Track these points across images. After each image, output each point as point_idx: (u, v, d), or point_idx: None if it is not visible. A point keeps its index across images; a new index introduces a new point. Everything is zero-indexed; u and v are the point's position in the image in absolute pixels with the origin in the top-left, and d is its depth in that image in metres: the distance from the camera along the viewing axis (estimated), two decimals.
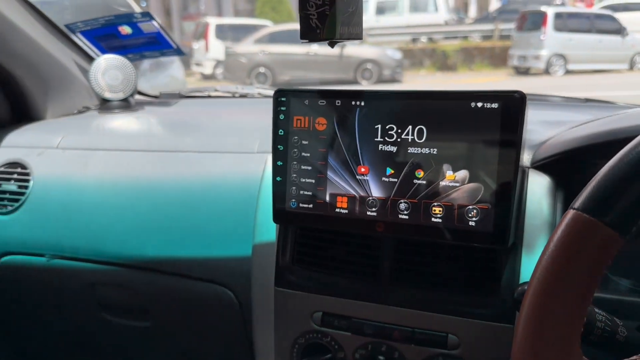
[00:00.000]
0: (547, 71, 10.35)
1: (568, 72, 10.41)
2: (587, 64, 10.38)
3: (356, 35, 0.49)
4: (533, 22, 10.99)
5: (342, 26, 0.47)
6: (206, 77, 11.51)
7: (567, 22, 10.69)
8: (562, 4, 15.12)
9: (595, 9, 13.51)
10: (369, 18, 14.28)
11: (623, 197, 0.38)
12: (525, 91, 0.63)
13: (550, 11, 10.83)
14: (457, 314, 0.69)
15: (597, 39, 10.41)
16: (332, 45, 0.49)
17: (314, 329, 0.76)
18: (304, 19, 0.46)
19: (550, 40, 10.45)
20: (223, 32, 11.72)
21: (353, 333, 0.74)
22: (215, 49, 11.45)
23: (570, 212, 0.40)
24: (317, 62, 9.73)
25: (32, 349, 1.22)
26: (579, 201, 0.40)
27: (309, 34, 0.46)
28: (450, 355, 0.69)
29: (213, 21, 12.15)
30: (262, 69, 9.82)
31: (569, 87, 8.67)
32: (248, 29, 11.96)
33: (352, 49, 10.12)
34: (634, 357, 0.40)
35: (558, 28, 10.58)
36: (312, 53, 9.63)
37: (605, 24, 10.64)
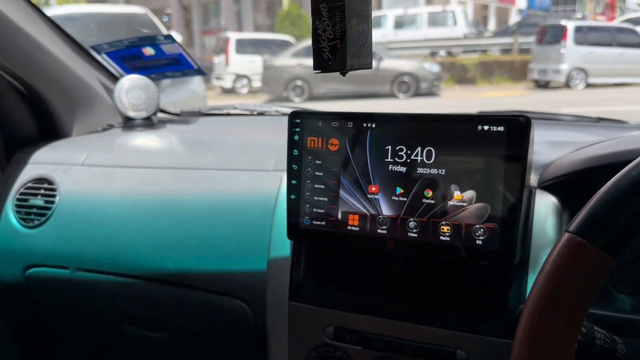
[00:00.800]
0: (567, 85, 10.29)
1: (589, 85, 10.34)
2: (608, 78, 10.30)
3: (365, 65, 0.52)
4: (553, 35, 10.95)
5: (352, 58, 0.50)
6: (226, 91, 11.66)
7: (588, 36, 10.63)
8: (583, 18, 15.05)
9: (617, 22, 13.42)
10: (388, 32, 14.36)
11: (614, 221, 0.41)
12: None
13: (570, 25, 10.78)
14: (466, 329, 0.71)
15: (618, 53, 10.33)
16: (343, 74, 0.52)
17: (326, 343, 0.79)
18: (317, 52, 0.49)
19: (571, 53, 10.40)
20: (243, 46, 11.89)
21: (364, 347, 0.76)
22: (235, 63, 11.61)
23: (565, 235, 0.42)
24: (353, 75, 9.77)
25: (55, 358, 1.26)
26: (573, 225, 0.42)
27: (321, 65, 0.49)
28: None
29: (233, 36, 12.34)
30: (298, 82, 9.88)
31: (589, 101, 8.61)
32: (267, 44, 12.12)
33: (389, 62, 10.11)
34: None
35: (578, 41, 10.52)
36: None
37: (626, 38, 10.55)
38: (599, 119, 1.16)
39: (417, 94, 9.98)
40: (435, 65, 10.70)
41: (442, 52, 13.73)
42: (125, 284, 1.00)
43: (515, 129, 0.64)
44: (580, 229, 0.41)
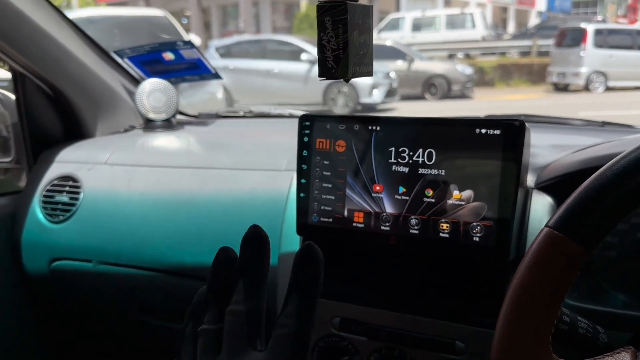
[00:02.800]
0: (587, 88, 10.20)
1: (608, 89, 10.24)
2: (629, 81, 10.19)
3: (367, 73, 0.56)
4: (572, 38, 10.86)
5: (354, 66, 0.54)
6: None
7: (608, 39, 10.52)
8: (603, 21, 14.88)
9: (638, 25, 13.24)
10: (406, 34, 14.35)
11: (589, 217, 0.45)
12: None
13: (590, 28, 10.69)
14: (464, 322, 0.75)
15: (639, 56, 10.21)
16: (346, 81, 0.56)
17: (333, 333, 0.83)
18: (322, 61, 0.53)
19: (590, 57, 10.31)
20: None
21: (369, 338, 0.81)
22: None
23: (545, 230, 0.46)
24: None
25: (76, 348, 1.32)
26: (552, 220, 0.46)
27: (325, 73, 0.54)
28: None
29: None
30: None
31: (608, 104, 8.52)
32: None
33: (422, 64, 10.07)
34: (608, 353, 0.46)
35: (598, 44, 10.43)
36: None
37: None
38: (604, 123, 1.19)
39: (447, 96, 9.92)
40: (468, 68, 10.62)
41: (460, 55, 13.69)
42: (144, 277, 1.06)
43: (511, 132, 0.68)
44: (558, 223, 0.46)
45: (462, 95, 10.14)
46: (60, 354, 1.33)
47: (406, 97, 9.62)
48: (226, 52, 9.44)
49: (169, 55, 1.32)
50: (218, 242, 0.99)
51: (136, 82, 1.38)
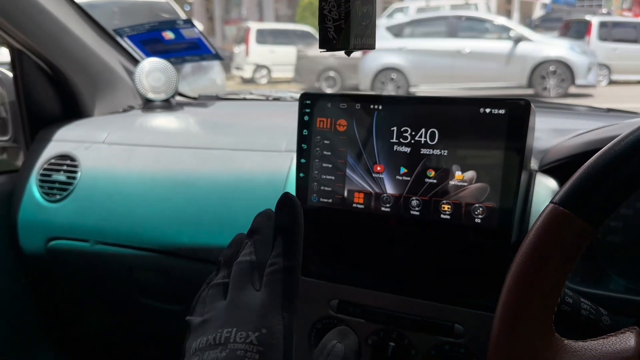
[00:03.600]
0: None
1: (612, 82, 10.18)
2: (632, 75, 10.13)
3: (369, 45, 0.55)
4: (577, 30, 10.78)
5: (356, 38, 0.53)
6: (246, 81, 11.71)
7: (612, 32, 10.44)
8: (608, 13, 14.79)
9: None
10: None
11: (595, 193, 0.43)
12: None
13: (594, 20, 10.60)
14: (464, 305, 0.74)
15: None
16: (348, 54, 0.55)
17: (330, 315, 0.82)
18: (323, 31, 0.52)
19: (594, 49, 10.24)
20: (263, 36, 11.92)
21: (366, 320, 0.80)
22: (255, 53, 11.65)
23: (550, 206, 0.45)
24: None
25: (73, 328, 1.31)
26: (557, 196, 0.45)
27: (326, 44, 0.53)
28: (456, 343, 0.74)
29: (254, 26, 12.38)
30: (331, 73, 9.78)
31: (612, 97, 8.48)
32: (288, 34, 12.13)
33: None
34: (612, 333, 0.45)
35: (603, 37, 10.35)
36: None
37: None
38: (609, 110, 1.18)
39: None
40: None
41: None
42: (142, 257, 1.05)
43: (516, 111, 0.67)
44: (564, 199, 0.44)
45: None
46: (58, 333, 1.32)
47: None
48: (400, 32, 8.78)
49: (169, 35, 1.30)
50: (216, 222, 0.98)
51: (135, 61, 1.37)
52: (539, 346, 0.43)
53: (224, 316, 0.43)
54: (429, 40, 8.42)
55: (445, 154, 0.71)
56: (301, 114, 0.79)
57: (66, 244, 1.11)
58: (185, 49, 1.34)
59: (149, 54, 1.35)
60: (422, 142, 0.72)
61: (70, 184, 1.11)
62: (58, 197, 1.11)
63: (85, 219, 1.08)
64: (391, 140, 0.74)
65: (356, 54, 0.69)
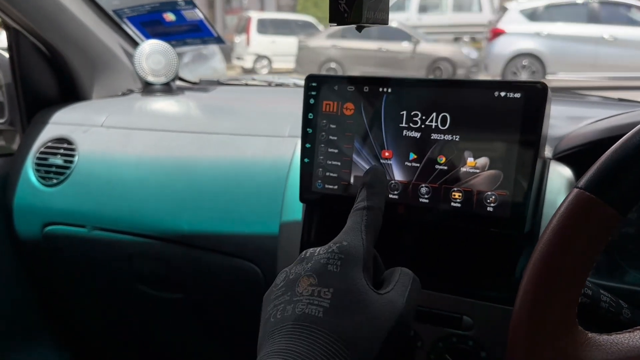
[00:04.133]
0: None
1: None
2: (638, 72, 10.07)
3: (382, 20, 0.52)
4: None
5: (368, 11, 0.50)
6: (247, 71, 11.65)
7: None
8: None
9: None
10: (411, 16, 14.17)
11: (623, 178, 0.40)
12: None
13: None
14: (473, 296, 0.71)
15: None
16: (359, 29, 0.52)
17: None
18: (333, 4, 0.49)
19: None
20: (264, 26, 11.84)
21: None
22: (256, 43, 11.59)
23: (574, 191, 0.42)
24: (388, 58, 9.52)
25: (70, 316, 1.29)
26: (583, 180, 0.42)
27: (337, 17, 0.50)
28: (464, 335, 0.72)
29: (255, 16, 12.30)
30: (332, 64, 9.67)
31: (613, 91, 8.45)
32: (289, 24, 12.06)
33: (426, 46, 9.80)
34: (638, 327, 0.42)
35: None
36: (384, 49, 9.44)
37: None
38: (621, 100, 1.15)
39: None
40: (474, 51, 10.41)
41: (466, 38, 13.53)
42: (140, 244, 1.02)
43: (533, 95, 0.64)
44: (589, 184, 0.41)
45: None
46: (54, 320, 1.30)
47: None
48: (535, 15, 8.20)
49: (169, 16, 1.27)
50: (217, 209, 0.96)
51: (135, 43, 1.34)
52: (562, 339, 0.40)
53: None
54: (569, 25, 7.80)
55: (457, 139, 0.68)
56: (307, 97, 0.76)
57: (63, 230, 1.08)
58: (187, 32, 1.30)
59: (149, 35, 1.32)
60: (433, 127, 0.69)
61: (67, 167, 1.08)
62: (55, 181, 1.08)
63: (83, 204, 1.06)
64: (400, 125, 0.71)
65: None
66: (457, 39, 13.37)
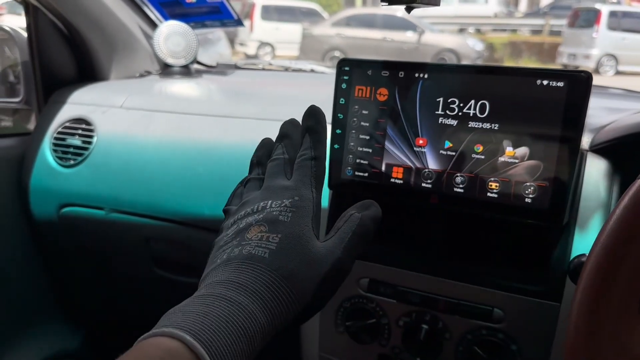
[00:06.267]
0: (597, 71, 10.05)
1: (619, 73, 10.10)
2: None
3: (435, 1, 0.50)
4: (586, 19, 10.66)
5: None
6: (250, 58, 11.58)
7: (622, 21, 10.32)
8: (618, 3, 14.62)
9: None
10: (417, 7, 14.06)
11: None
12: None
13: (604, 9, 10.48)
14: (505, 289, 0.70)
15: None
16: (409, 10, 0.50)
17: (360, 295, 0.79)
18: None
19: (603, 39, 10.13)
20: (268, 13, 11.75)
21: (398, 301, 0.76)
22: (260, 30, 11.50)
23: (639, 181, 0.41)
24: (393, 48, 9.45)
25: (85, 297, 1.28)
26: None
27: None
28: (494, 328, 0.71)
29: (259, 2, 12.19)
30: (336, 53, 9.59)
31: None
32: (294, 11, 11.97)
33: (431, 37, 9.75)
34: None
35: (612, 27, 10.24)
36: (389, 39, 9.37)
37: None
38: None
39: None
40: (479, 43, 10.35)
41: (471, 30, 13.47)
42: (159, 228, 1.01)
43: (576, 85, 0.62)
44: None
45: None
46: (68, 302, 1.29)
47: None
48: None
49: None
50: None
51: (154, 24, 1.31)
52: (624, 333, 0.39)
53: (260, 196, 0.50)
54: None
55: (495, 128, 0.66)
56: (338, 81, 0.75)
57: (79, 211, 1.07)
58: (207, 13, 1.28)
59: (168, 17, 1.29)
60: (471, 114, 0.68)
61: (85, 148, 1.06)
62: (72, 162, 1.07)
63: (101, 186, 1.04)
64: (436, 112, 0.70)
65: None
66: (462, 30, 13.30)
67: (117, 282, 1.18)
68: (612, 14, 10.34)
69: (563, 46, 10.96)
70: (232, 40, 11.37)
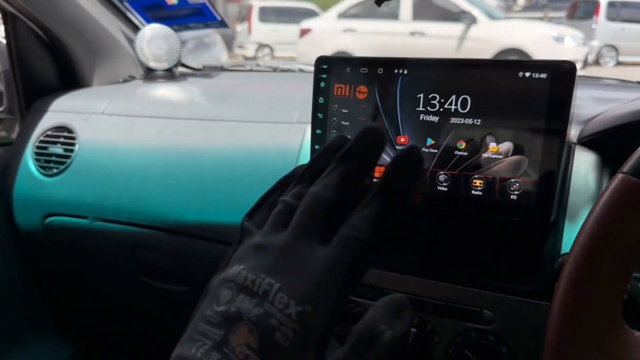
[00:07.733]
0: (597, 62, 9.99)
1: (619, 63, 10.04)
2: None
3: None
4: (585, 11, 10.60)
5: None
6: (248, 60, 11.57)
7: (621, 12, 10.26)
8: None
9: None
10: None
11: None
12: None
13: (603, 0, 10.42)
14: (494, 289, 0.68)
15: None
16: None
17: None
18: None
19: (602, 30, 10.06)
20: (266, 15, 11.74)
21: None
22: (258, 32, 11.49)
23: (619, 176, 0.38)
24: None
25: (73, 308, 1.26)
26: (627, 165, 0.39)
27: None
28: (484, 330, 0.68)
29: (257, 4, 12.17)
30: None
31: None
32: (291, 13, 11.95)
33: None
34: None
35: (611, 17, 10.17)
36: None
37: None
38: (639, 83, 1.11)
39: None
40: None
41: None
42: (144, 235, 0.99)
43: (560, 76, 0.60)
44: (637, 169, 0.38)
45: None
46: (55, 313, 1.27)
47: None
48: None
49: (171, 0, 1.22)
50: (223, 199, 0.92)
51: (136, 28, 1.29)
52: (607, 339, 0.37)
53: (275, 256, 0.33)
54: None
55: (478, 123, 0.64)
56: (317, 80, 0.73)
57: (64, 221, 1.05)
58: (189, 15, 1.26)
59: (150, 20, 1.27)
60: (452, 110, 0.65)
61: (67, 157, 1.04)
62: (55, 170, 1.05)
63: (84, 194, 1.02)
64: (417, 109, 0.67)
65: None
66: None
67: (105, 292, 1.16)
68: (611, 5, 10.27)
69: None
70: (230, 43, 11.37)
